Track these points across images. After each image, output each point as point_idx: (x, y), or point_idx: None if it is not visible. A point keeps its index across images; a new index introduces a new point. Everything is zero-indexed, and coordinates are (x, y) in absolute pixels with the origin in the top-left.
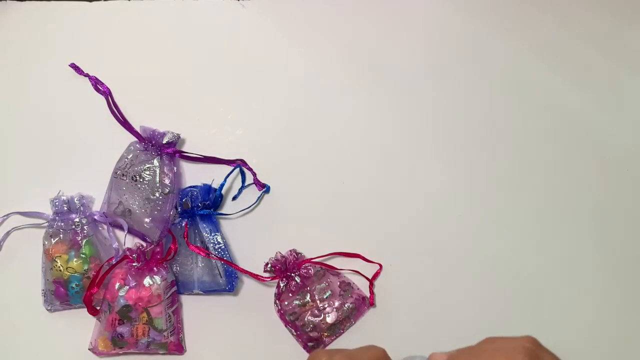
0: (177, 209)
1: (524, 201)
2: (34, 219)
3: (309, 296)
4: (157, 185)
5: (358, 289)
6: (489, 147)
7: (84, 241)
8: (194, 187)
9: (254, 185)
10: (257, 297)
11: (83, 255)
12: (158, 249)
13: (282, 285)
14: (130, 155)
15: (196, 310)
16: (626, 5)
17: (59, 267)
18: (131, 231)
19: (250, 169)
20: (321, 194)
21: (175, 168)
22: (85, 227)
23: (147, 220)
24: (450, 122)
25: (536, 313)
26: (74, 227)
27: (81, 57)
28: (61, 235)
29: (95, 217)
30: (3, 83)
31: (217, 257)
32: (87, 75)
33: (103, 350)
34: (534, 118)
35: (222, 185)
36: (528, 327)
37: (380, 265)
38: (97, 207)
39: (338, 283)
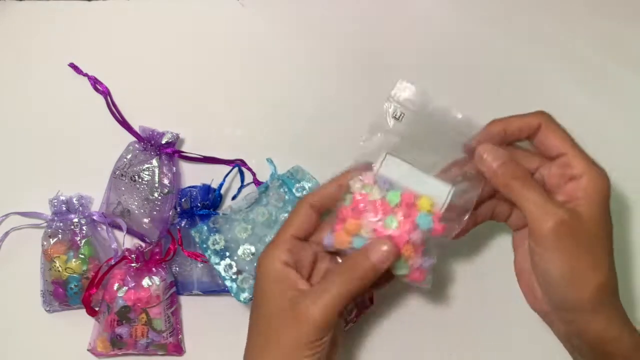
0: (176, 209)
1: None
2: (32, 219)
3: None
4: (156, 185)
5: None
6: None
7: (83, 241)
8: (193, 187)
9: (253, 185)
10: None
11: (82, 256)
12: (157, 250)
13: None
14: (129, 155)
15: (196, 310)
16: (627, 5)
17: (58, 267)
18: (130, 231)
19: (249, 169)
20: None
21: (174, 168)
22: (84, 227)
23: (146, 220)
24: None
25: None
26: (72, 227)
27: (80, 57)
28: (60, 236)
29: (94, 217)
30: (1, 82)
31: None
32: (86, 74)
33: (102, 351)
34: None
35: (221, 184)
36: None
37: None
38: (96, 207)
39: None
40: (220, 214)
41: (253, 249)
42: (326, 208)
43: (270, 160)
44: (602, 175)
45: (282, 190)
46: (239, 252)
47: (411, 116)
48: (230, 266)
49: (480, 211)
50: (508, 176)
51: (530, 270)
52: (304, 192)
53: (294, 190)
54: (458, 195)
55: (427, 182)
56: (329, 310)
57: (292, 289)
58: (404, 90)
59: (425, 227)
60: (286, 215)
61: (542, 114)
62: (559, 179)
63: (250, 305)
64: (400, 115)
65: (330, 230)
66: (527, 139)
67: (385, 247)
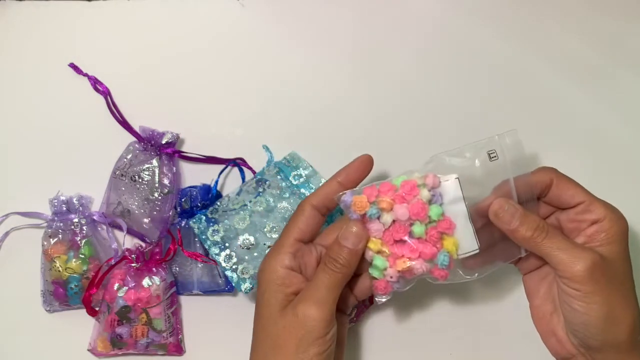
0: (176, 209)
1: None
2: (33, 219)
3: None
4: (156, 185)
5: None
6: None
7: (83, 241)
8: (193, 187)
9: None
10: None
11: (82, 256)
12: (157, 250)
13: None
14: (130, 156)
15: (196, 310)
16: (627, 5)
17: (58, 267)
18: (130, 231)
19: (250, 167)
20: None
21: (174, 168)
22: (84, 227)
23: (146, 220)
24: (450, 120)
25: None
26: (73, 227)
27: (80, 57)
28: (60, 236)
29: (95, 217)
30: (1, 82)
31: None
32: (86, 75)
33: (102, 351)
34: (533, 118)
35: (216, 182)
36: None
37: None
38: (96, 207)
39: None
40: (218, 204)
41: (252, 239)
42: (328, 208)
43: (266, 147)
44: (621, 217)
45: (279, 177)
46: (238, 242)
47: (499, 164)
48: (230, 256)
49: (493, 252)
50: (529, 231)
51: (551, 314)
52: (301, 180)
53: (290, 178)
54: (479, 256)
55: (466, 227)
56: (324, 305)
57: (296, 292)
58: (512, 141)
59: (439, 263)
60: (284, 203)
61: (551, 169)
62: (579, 224)
63: (248, 295)
64: (494, 157)
65: (353, 191)
66: (538, 197)
67: (354, 229)
